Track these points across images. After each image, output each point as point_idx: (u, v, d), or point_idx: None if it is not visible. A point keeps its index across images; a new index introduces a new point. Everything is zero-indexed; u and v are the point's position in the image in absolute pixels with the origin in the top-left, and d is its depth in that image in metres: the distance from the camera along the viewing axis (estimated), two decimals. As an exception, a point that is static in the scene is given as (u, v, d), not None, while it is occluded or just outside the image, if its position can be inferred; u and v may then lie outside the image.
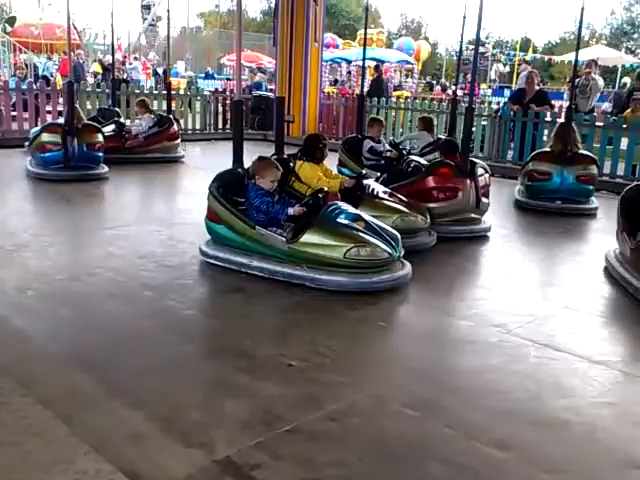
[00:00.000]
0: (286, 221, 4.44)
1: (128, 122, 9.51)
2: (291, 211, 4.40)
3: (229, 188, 4.67)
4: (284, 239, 4.27)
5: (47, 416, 2.52)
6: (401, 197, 5.23)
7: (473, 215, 5.83)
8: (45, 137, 7.87)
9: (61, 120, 8.66)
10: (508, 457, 2.45)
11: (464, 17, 7.55)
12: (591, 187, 7.31)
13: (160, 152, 9.55)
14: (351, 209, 4.42)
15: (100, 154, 8.04)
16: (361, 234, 4.22)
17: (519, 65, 16.29)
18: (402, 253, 4.39)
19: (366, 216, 4.41)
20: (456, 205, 5.65)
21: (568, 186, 7.16)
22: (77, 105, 8.94)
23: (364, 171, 6.07)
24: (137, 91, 12.11)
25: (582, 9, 7.07)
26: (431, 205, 5.51)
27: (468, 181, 5.69)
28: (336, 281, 4.14)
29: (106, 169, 8.02)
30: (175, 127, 9.84)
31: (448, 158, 5.91)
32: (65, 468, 2.20)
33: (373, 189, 5.22)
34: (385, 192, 5.25)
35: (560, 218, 6.86)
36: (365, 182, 5.26)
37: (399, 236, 4.41)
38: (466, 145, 5.96)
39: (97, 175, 7.92)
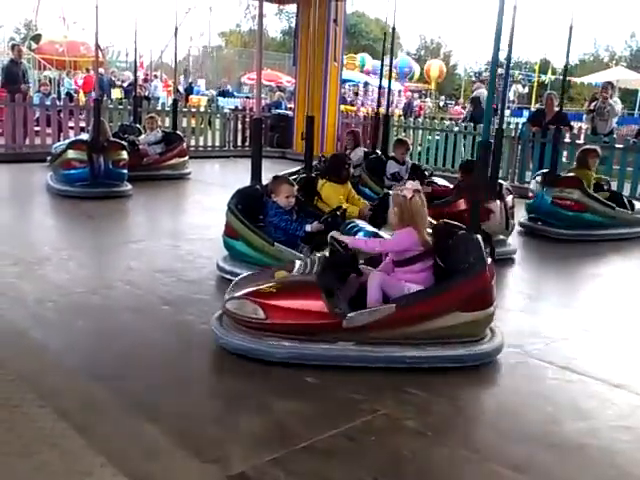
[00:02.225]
0: (303, 239, 4.45)
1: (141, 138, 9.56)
2: (308, 228, 4.43)
3: (248, 205, 4.70)
4: (302, 256, 4.28)
5: (64, 427, 2.53)
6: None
7: (502, 237, 5.78)
8: (71, 154, 7.86)
9: (85, 136, 8.71)
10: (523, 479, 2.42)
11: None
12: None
13: (171, 169, 9.64)
14: (369, 227, 4.43)
15: (125, 171, 8.08)
16: None
17: (472, 84, 15.95)
18: None
19: (384, 234, 4.39)
20: (488, 227, 5.59)
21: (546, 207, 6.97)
22: (103, 120, 8.98)
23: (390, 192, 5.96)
24: (158, 108, 12.26)
25: (570, 28, 6.75)
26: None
27: (498, 203, 5.66)
28: None
29: (129, 186, 8.06)
30: (184, 144, 9.97)
31: (470, 178, 5.88)
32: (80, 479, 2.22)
33: None
34: None
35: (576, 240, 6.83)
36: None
37: None
38: (496, 166, 5.86)
39: (122, 192, 7.95)
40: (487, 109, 3.82)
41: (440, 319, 3.35)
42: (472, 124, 11.39)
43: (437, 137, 11.69)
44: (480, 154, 3.84)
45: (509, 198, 5.84)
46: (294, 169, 7.38)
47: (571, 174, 7.18)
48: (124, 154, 8.13)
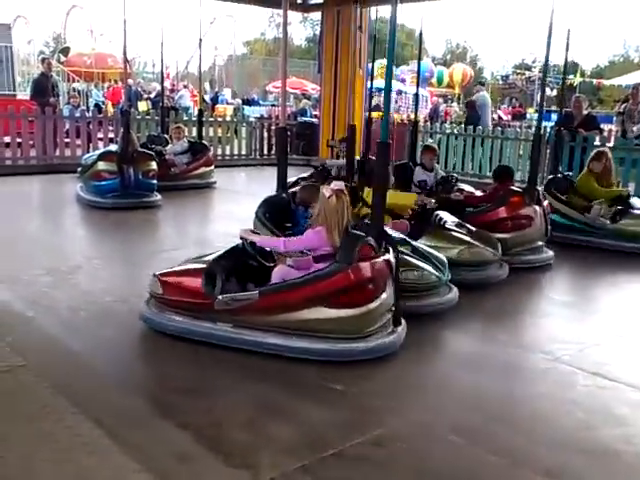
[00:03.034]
0: None
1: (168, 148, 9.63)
2: None
3: (275, 213, 4.72)
4: None
5: (99, 434, 2.59)
6: (470, 227, 5.12)
7: (540, 243, 5.72)
8: (101, 165, 7.93)
9: (114, 147, 8.82)
10: (556, 486, 2.41)
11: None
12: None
13: (198, 178, 9.70)
14: (396, 234, 4.41)
15: (154, 181, 8.13)
16: (409, 258, 4.19)
17: (474, 87, 15.60)
18: (449, 277, 4.37)
19: (414, 242, 4.40)
20: (530, 234, 5.55)
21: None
22: (132, 131, 9.08)
23: (433, 200, 5.72)
24: (185, 118, 12.40)
25: (568, 31, 6.72)
26: (505, 235, 5.39)
27: (537, 208, 5.62)
28: None
29: (159, 197, 8.14)
30: (210, 153, 10.02)
31: (503, 184, 5.86)
32: (116, 486, 2.26)
33: (441, 218, 5.13)
34: (454, 222, 5.13)
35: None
36: (436, 212, 5.20)
37: (446, 261, 4.41)
38: (534, 172, 5.77)
39: (152, 203, 8.02)
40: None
41: (302, 312, 3.47)
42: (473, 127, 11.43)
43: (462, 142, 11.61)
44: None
45: (545, 203, 5.79)
46: (305, 174, 7.40)
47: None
48: (153, 165, 8.21)
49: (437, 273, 4.24)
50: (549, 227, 5.76)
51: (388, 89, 3.82)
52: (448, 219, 5.16)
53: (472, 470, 2.51)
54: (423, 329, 4.00)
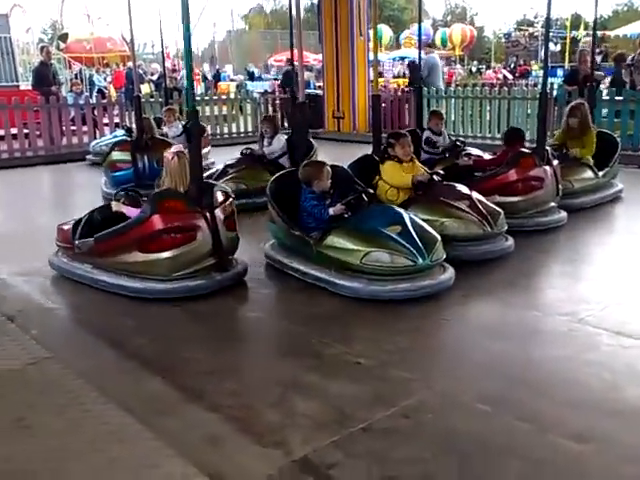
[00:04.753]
0: (332, 221, 4.29)
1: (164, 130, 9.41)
2: (331, 211, 4.28)
3: (288, 190, 4.63)
4: (311, 241, 4.23)
5: (129, 422, 2.62)
6: (477, 198, 4.81)
7: (553, 204, 5.63)
8: (115, 155, 7.75)
9: (121, 132, 8.67)
10: (587, 449, 2.41)
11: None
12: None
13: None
14: (396, 211, 4.26)
15: None
16: (386, 239, 3.98)
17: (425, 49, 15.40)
18: (440, 259, 4.11)
19: (409, 221, 4.13)
20: (542, 196, 5.45)
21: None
22: (149, 116, 8.79)
23: (439, 170, 5.32)
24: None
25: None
26: (516, 198, 5.32)
27: (548, 169, 5.52)
28: (351, 287, 4.00)
29: None
30: (206, 134, 9.72)
31: (514, 147, 5.78)
32: (152, 472, 2.29)
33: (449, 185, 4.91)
34: (460, 190, 4.86)
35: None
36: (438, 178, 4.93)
37: (439, 242, 4.11)
38: (542, 132, 5.64)
39: None
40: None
41: (122, 255, 4.14)
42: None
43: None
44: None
45: (555, 163, 5.71)
46: (231, 161, 7.04)
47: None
48: None
49: (415, 257, 3.93)
50: (560, 187, 5.70)
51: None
52: (459, 187, 4.92)
53: (500, 437, 2.51)
54: (439, 298, 4.00)
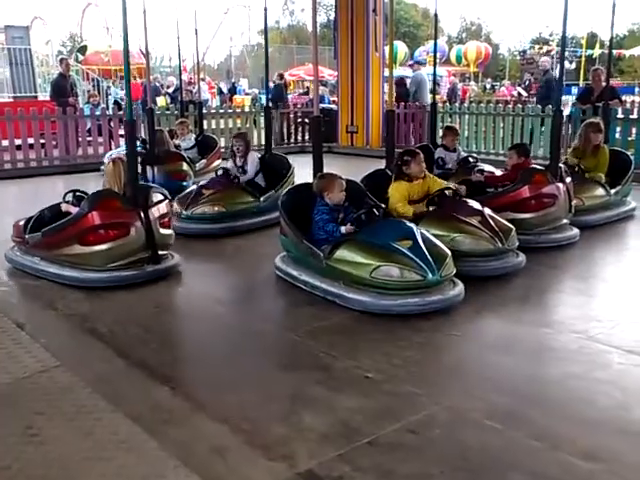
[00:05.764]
0: (343, 235, 4.28)
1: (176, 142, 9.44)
2: (343, 230, 4.28)
3: (301, 203, 4.66)
4: (321, 254, 4.22)
5: (136, 431, 2.62)
6: (489, 214, 4.78)
7: (565, 221, 5.61)
8: None
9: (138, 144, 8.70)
10: (596, 468, 2.39)
11: None
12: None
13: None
14: (406, 225, 4.23)
15: (184, 183, 7.53)
16: (396, 254, 3.96)
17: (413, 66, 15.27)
18: (450, 274, 4.09)
19: (419, 236, 4.11)
20: (554, 213, 5.43)
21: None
22: (163, 129, 8.78)
23: (452, 185, 5.21)
24: (205, 111, 12.40)
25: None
26: (528, 215, 5.31)
27: (561, 186, 5.50)
28: (360, 301, 3.99)
29: None
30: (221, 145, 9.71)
31: (523, 163, 5.76)
32: (157, 482, 2.29)
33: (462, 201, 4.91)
34: (472, 206, 4.84)
35: None
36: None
37: (449, 258, 4.09)
38: (556, 149, 5.60)
39: None
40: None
41: (66, 248, 4.56)
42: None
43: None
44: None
45: (568, 180, 5.69)
46: (204, 181, 6.75)
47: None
48: (182, 165, 7.87)
49: (425, 273, 3.90)
50: (573, 204, 5.68)
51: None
52: (472, 204, 4.90)
53: (509, 454, 2.49)
54: (450, 313, 3.98)
